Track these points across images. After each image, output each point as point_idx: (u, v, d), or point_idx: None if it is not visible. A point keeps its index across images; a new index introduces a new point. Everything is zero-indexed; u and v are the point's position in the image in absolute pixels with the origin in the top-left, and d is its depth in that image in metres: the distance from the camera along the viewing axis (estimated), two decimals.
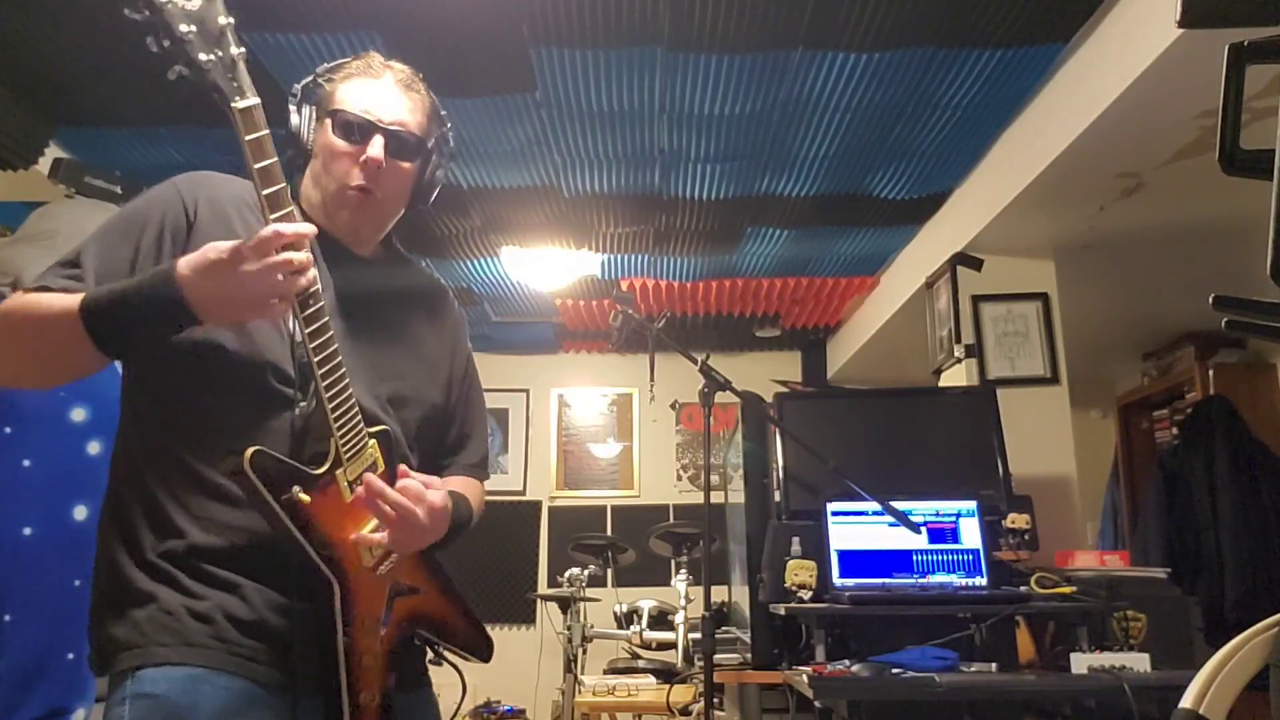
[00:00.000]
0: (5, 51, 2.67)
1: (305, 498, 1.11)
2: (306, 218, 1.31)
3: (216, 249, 1.06)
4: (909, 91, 2.96)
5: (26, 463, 2.31)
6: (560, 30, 2.65)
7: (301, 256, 1.08)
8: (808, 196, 3.76)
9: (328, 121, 1.29)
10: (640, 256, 4.46)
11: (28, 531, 2.28)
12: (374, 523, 1.19)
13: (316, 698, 1.15)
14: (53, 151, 3.15)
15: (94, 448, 2.39)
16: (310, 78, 1.34)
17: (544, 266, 4.51)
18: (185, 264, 1.07)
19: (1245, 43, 0.87)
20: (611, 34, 2.67)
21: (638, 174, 3.59)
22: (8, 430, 2.30)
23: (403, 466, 1.22)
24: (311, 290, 1.12)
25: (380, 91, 1.30)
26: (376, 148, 1.26)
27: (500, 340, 5.70)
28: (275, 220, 1.08)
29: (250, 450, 1.07)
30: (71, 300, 1.09)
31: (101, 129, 3.13)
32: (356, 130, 1.27)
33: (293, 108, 1.32)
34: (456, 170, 3.50)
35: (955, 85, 2.92)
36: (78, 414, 2.34)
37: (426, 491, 1.20)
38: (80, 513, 2.35)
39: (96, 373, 1.18)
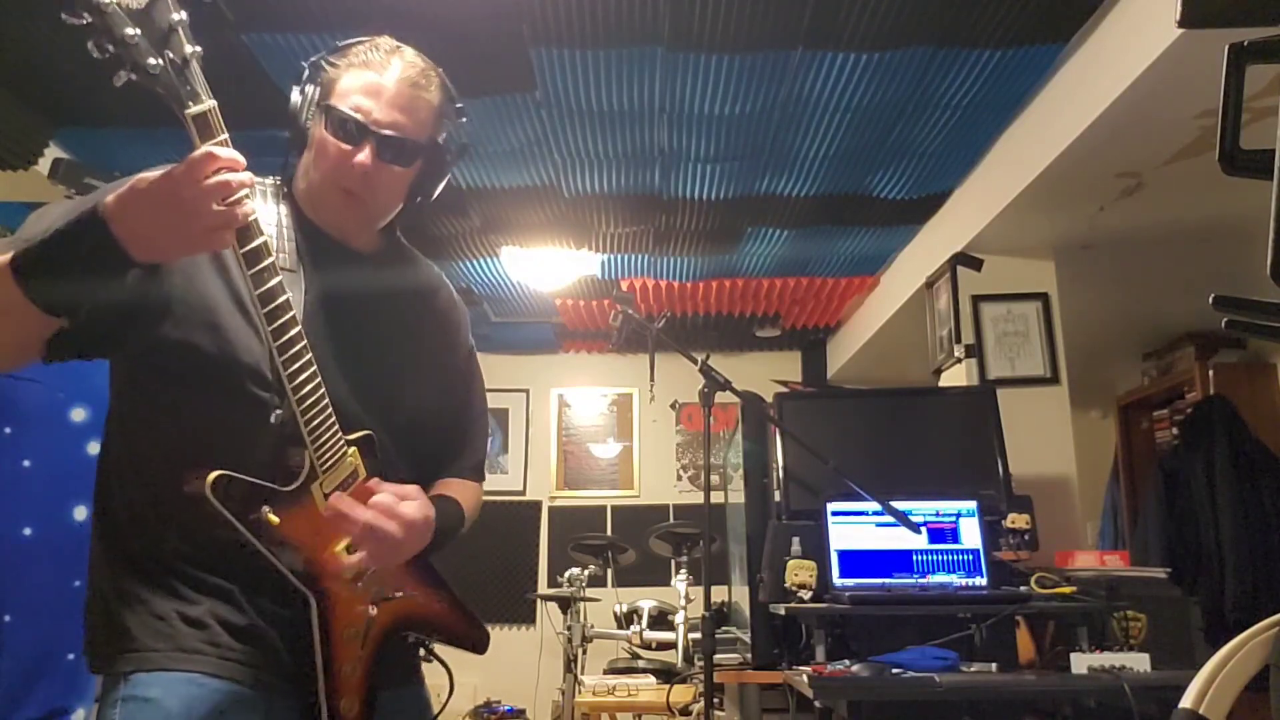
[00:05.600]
0: (5, 51, 2.67)
1: (274, 519, 1.08)
2: (297, 207, 1.27)
3: (145, 178, 0.98)
4: (909, 91, 2.96)
5: (26, 463, 2.31)
6: (560, 30, 2.65)
7: (240, 177, 0.99)
8: (808, 196, 3.76)
9: (324, 116, 1.21)
10: (640, 256, 4.46)
11: (28, 531, 2.28)
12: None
13: (302, 700, 1.14)
14: (53, 151, 3.15)
15: (94, 448, 2.38)
16: (319, 55, 1.26)
17: (544, 266, 4.51)
18: (112, 196, 0.98)
19: (1245, 43, 0.86)
20: (611, 34, 2.67)
21: (638, 174, 3.59)
22: (8, 430, 2.30)
23: (375, 480, 1.17)
24: (281, 300, 1.06)
25: (381, 87, 1.21)
26: (365, 154, 1.18)
27: (500, 340, 5.70)
28: (210, 143, 0.99)
29: (212, 476, 1.04)
30: (4, 259, 1.00)
31: (101, 129, 3.13)
32: (348, 130, 1.19)
33: (296, 86, 1.24)
34: (456, 170, 3.50)
35: (955, 85, 2.92)
36: (78, 414, 2.34)
37: (399, 505, 1.14)
38: (80, 513, 2.34)
39: (45, 348, 1.07)
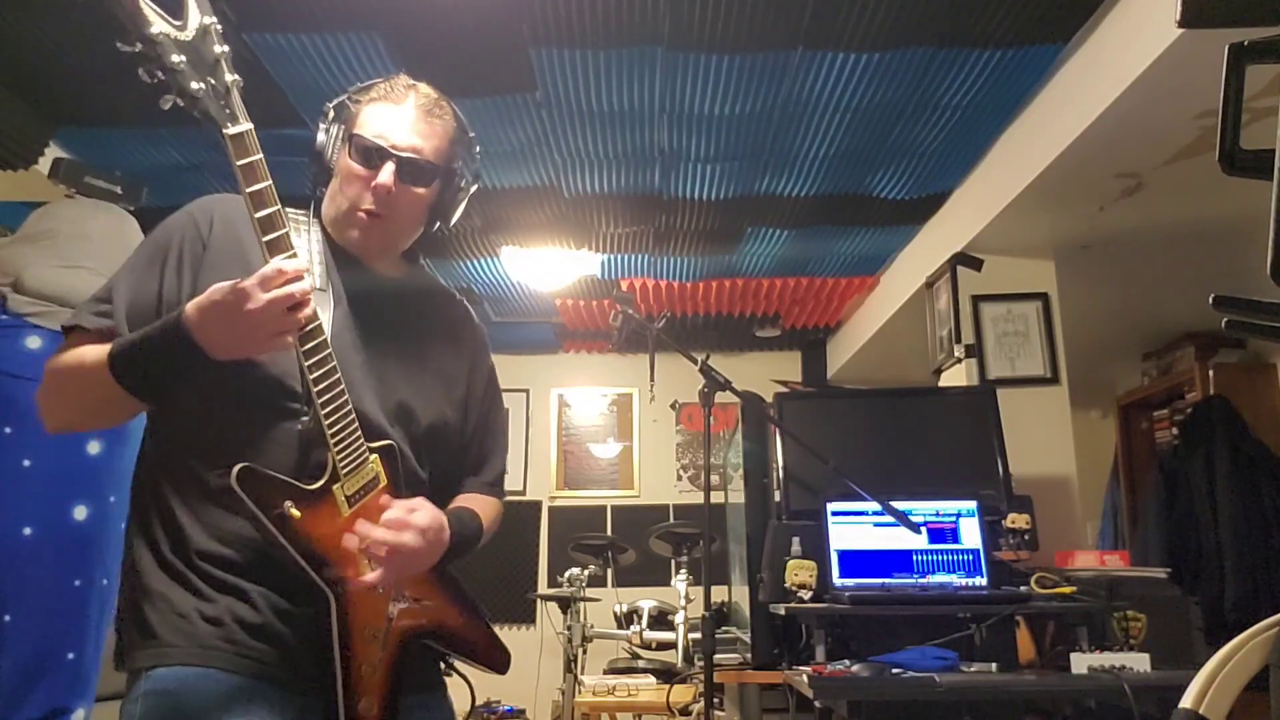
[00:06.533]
0: (5, 51, 2.67)
1: (296, 513, 1.13)
2: (326, 233, 1.36)
3: (220, 289, 1.10)
4: (909, 91, 2.96)
5: (26, 463, 2.31)
6: (560, 30, 2.65)
7: (302, 287, 1.11)
8: (808, 196, 3.76)
9: (347, 144, 1.32)
10: (640, 256, 4.46)
11: (28, 531, 2.28)
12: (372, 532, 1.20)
13: (319, 699, 1.17)
14: (53, 151, 3.15)
15: (94, 448, 2.39)
16: (342, 97, 1.38)
17: (544, 266, 4.51)
18: (192, 307, 1.12)
19: (1245, 43, 0.86)
20: (611, 34, 2.67)
21: (638, 174, 3.59)
22: (8, 430, 2.30)
23: (385, 496, 1.23)
24: (313, 324, 1.15)
25: (399, 116, 1.31)
26: (386, 174, 1.29)
27: (500, 340, 5.70)
28: (278, 258, 1.11)
29: (237, 467, 1.10)
30: (103, 354, 1.16)
31: (101, 129, 3.13)
32: (370, 155, 1.29)
33: (322, 126, 1.36)
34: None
35: (955, 85, 2.92)
36: None
37: (411, 517, 1.21)
38: (80, 513, 2.35)
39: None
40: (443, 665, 1.38)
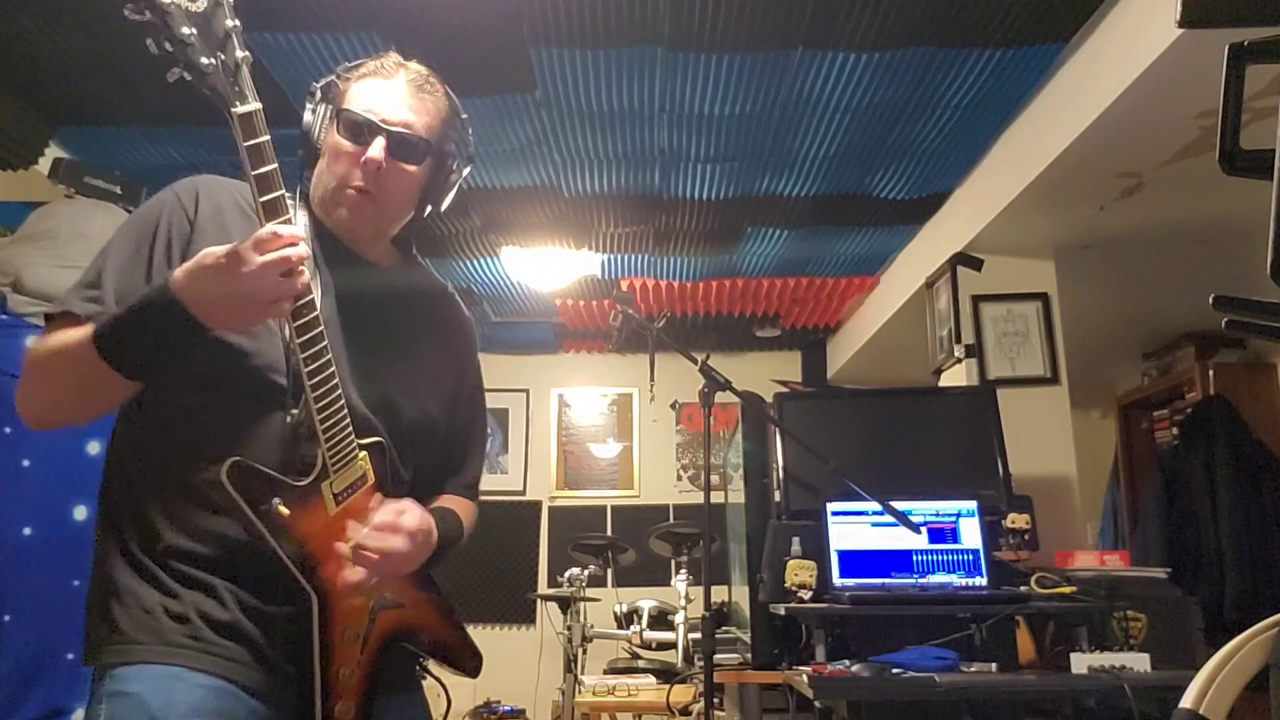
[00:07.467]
0: (5, 51, 2.67)
1: (285, 510, 1.09)
2: (314, 217, 1.32)
3: (212, 253, 1.05)
4: (909, 91, 2.96)
5: (26, 463, 2.31)
6: (560, 30, 2.65)
7: (299, 252, 1.07)
8: (808, 196, 3.76)
9: (335, 120, 1.27)
10: (640, 256, 4.46)
11: (27, 531, 2.28)
12: (359, 535, 1.17)
13: (293, 701, 1.14)
14: (53, 151, 3.15)
15: (94, 448, 2.39)
16: (330, 75, 1.32)
17: (544, 266, 4.51)
18: (181, 271, 1.07)
19: (1245, 43, 0.86)
20: (611, 34, 2.67)
21: (638, 174, 3.59)
22: (7, 430, 2.30)
23: (375, 497, 1.20)
24: (307, 299, 1.10)
25: (389, 92, 1.27)
26: (377, 149, 1.24)
27: (500, 340, 5.70)
28: (273, 223, 1.07)
29: (228, 461, 1.06)
30: (87, 334, 1.09)
31: (101, 129, 3.13)
32: (359, 130, 1.25)
33: (309, 106, 1.30)
34: None
35: (955, 85, 2.92)
36: None
37: (400, 519, 1.18)
38: (80, 513, 2.35)
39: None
40: (417, 668, 1.36)
